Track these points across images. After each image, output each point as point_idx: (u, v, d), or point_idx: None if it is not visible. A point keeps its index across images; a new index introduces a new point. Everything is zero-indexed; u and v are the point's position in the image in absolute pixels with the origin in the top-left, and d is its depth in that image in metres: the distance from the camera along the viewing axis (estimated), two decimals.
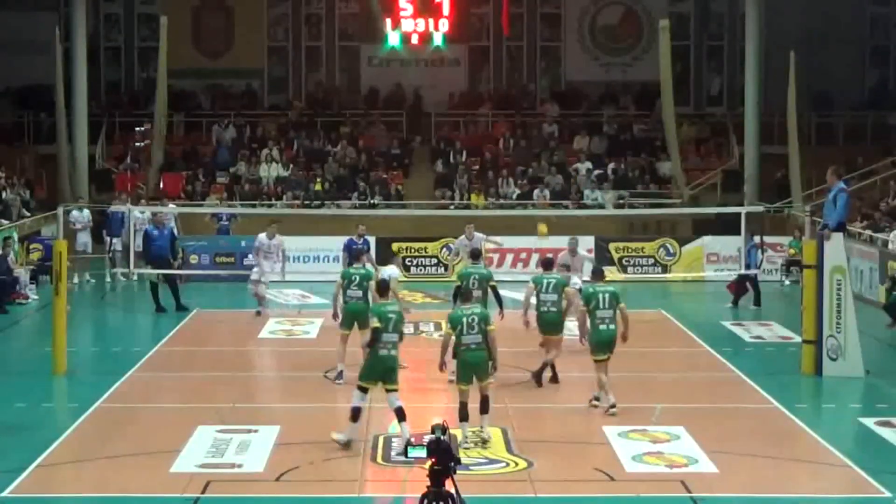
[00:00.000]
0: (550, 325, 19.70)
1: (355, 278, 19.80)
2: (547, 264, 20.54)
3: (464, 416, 16.10)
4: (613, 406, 17.61)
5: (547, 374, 19.88)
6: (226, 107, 42.46)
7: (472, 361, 16.15)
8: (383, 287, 16.60)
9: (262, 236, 26.94)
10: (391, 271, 21.33)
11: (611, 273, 32.01)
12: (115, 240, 31.85)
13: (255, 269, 27.07)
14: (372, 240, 32.44)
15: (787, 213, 34.89)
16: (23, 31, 40.63)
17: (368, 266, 21.23)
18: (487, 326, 16.19)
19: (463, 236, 25.66)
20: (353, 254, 22.89)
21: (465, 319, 16.15)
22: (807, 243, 21.28)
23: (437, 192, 38.53)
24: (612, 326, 17.73)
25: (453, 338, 16.15)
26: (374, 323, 15.90)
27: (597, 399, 17.97)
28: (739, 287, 28.54)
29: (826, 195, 21.93)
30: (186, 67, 41.69)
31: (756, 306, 28.23)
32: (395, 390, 15.96)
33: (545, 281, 19.92)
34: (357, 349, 19.23)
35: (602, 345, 17.77)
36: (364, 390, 16.00)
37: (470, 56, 43.71)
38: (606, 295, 17.77)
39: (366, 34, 42.80)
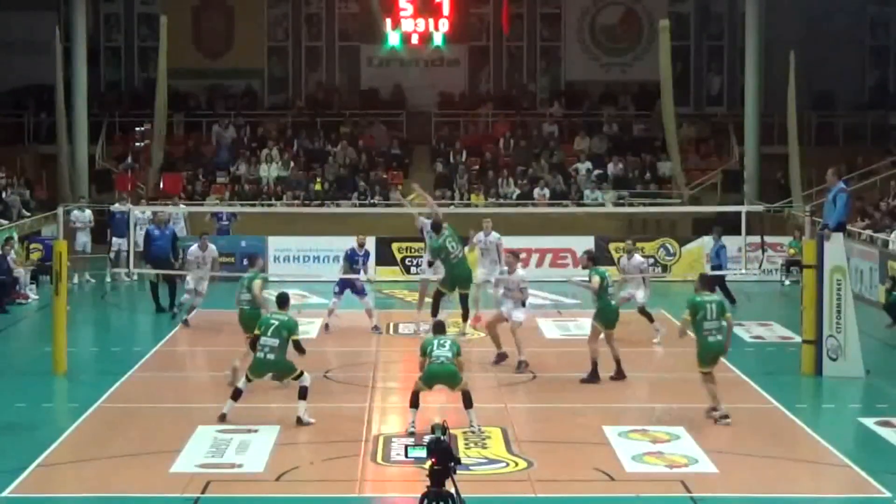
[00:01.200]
0: (617, 315, 20.12)
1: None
2: (595, 259, 20.88)
3: (414, 404, 16.66)
4: (726, 416, 17.26)
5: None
6: (226, 107, 42.47)
7: (439, 372, 16.70)
8: (281, 300, 17.79)
9: (195, 248, 26.07)
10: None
11: (610, 272, 32.13)
12: (118, 240, 31.74)
13: (188, 279, 25.97)
14: (372, 240, 32.47)
15: (786, 213, 34.89)
16: (23, 31, 40.67)
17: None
18: (457, 357, 16.78)
19: (481, 232, 25.56)
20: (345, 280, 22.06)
21: (435, 341, 16.87)
22: (807, 243, 21.25)
23: (437, 192, 38.51)
24: (719, 337, 17.44)
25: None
26: (257, 330, 17.42)
27: (714, 410, 17.50)
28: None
29: (826, 195, 21.93)
30: (186, 67, 41.69)
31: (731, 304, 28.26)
32: (296, 378, 17.39)
33: (608, 275, 20.29)
34: (347, 349, 19.24)
35: (710, 356, 17.50)
36: (248, 380, 17.51)
37: (470, 56, 43.71)
38: (713, 305, 17.43)
39: (366, 34, 42.82)
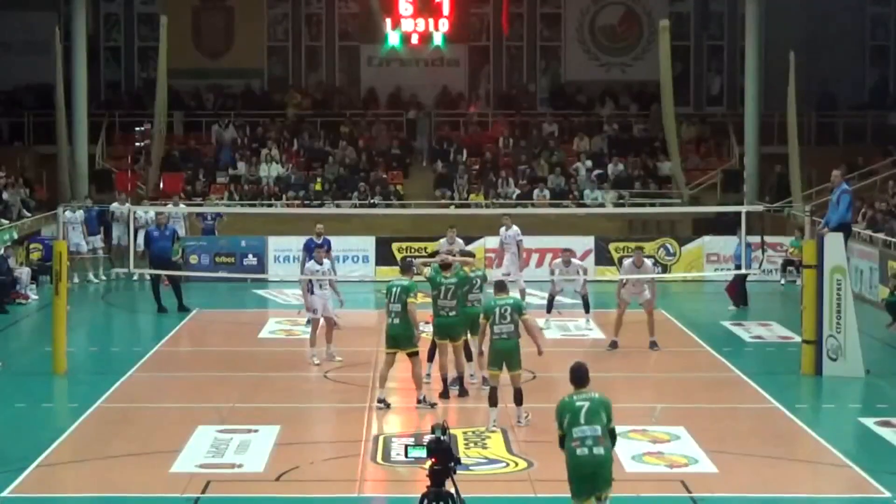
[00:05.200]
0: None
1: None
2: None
3: (493, 402, 16.91)
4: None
5: None
6: (226, 107, 42.46)
7: (503, 349, 16.93)
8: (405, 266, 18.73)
9: (312, 264, 22.31)
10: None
11: (610, 273, 32.20)
12: (90, 238, 32.12)
13: (314, 304, 21.85)
14: (372, 239, 32.50)
15: (786, 213, 34.89)
16: (23, 31, 40.65)
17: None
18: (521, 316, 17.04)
19: (443, 240, 25.11)
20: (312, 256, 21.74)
21: (497, 310, 16.92)
22: (807, 243, 21.27)
23: (437, 192, 38.53)
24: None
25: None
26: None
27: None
28: (738, 287, 28.51)
29: (830, 195, 21.96)
30: (186, 67, 41.66)
31: (744, 306, 28.29)
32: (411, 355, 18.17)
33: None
34: (347, 349, 19.19)
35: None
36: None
37: (470, 56, 43.69)
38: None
39: (366, 34, 42.76)
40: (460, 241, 24.98)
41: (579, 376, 11.95)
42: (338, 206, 36.55)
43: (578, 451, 11.55)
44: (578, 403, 11.70)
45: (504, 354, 16.83)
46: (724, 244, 32.42)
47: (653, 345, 22.81)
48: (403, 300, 18.05)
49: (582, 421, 11.60)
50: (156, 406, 18.85)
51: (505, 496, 14.38)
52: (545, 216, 34.57)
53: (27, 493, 14.28)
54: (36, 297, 29.25)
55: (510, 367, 16.88)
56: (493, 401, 16.79)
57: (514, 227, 26.05)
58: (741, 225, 24.66)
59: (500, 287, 17.39)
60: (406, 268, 18.97)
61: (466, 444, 16.03)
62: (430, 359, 19.56)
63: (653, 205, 37.06)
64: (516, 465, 15.34)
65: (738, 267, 28.22)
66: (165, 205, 33.39)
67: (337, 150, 40.30)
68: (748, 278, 28.41)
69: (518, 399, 16.86)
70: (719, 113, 42.91)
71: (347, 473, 15.02)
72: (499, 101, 43.26)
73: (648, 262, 24.04)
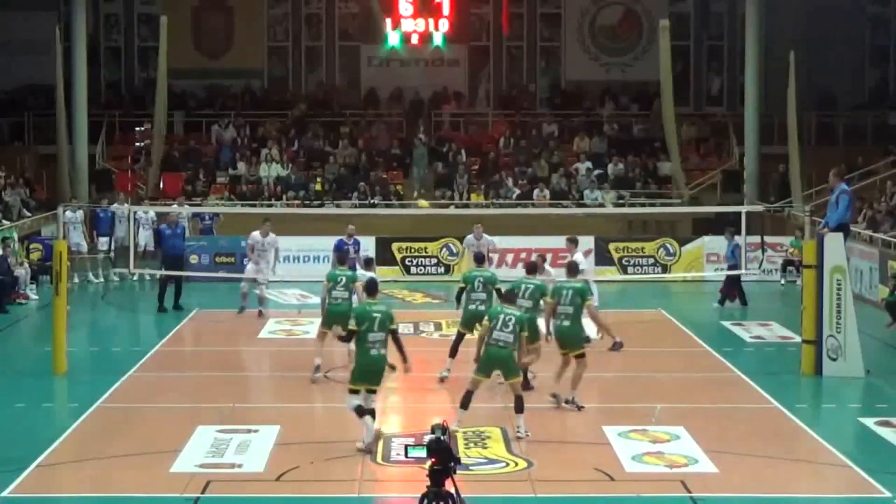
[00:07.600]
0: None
1: (341, 279, 20.03)
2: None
3: (465, 404, 16.62)
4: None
5: None
6: (226, 107, 42.46)
7: (496, 357, 16.53)
8: (371, 287, 16.44)
9: (256, 234, 26.73)
10: None
11: (610, 273, 32.25)
12: (102, 239, 32.15)
13: (248, 268, 26.94)
14: (372, 239, 32.48)
15: (787, 213, 34.90)
16: (23, 31, 40.66)
17: (359, 269, 21.84)
18: (521, 333, 16.62)
19: (471, 235, 26.87)
20: (340, 256, 22.45)
21: (501, 316, 16.56)
22: (807, 243, 21.26)
23: (437, 193, 38.53)
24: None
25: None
26: (352, 325, 15.84)
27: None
28: (731, 287, 28.55)
29: (829, 195, 21.96)
30: (186, 67, 41.67)
31: (743, 305, 28.31)
32: (374, 391, 16.10)
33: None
34: (347, 349, 19.19)
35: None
36: (355, 392, 15.98)
37: (470, 56, 43.71)
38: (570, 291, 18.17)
39: (366, 34, 42.79)
40: (488, 238, 26.92)
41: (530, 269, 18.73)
42: (338, 206, 36.55)
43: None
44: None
45: (497, 363, 16.56)
46: (724, 244, 32.38)
47: (616, 345, 22.21)
48: (577, 302, 18.10)
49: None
50: (156, 406, 18.85)
51: (505, 496, 14.38)
52: (545, 216, 34.59)
53: (27, 493, 14.27)
54: (36, 297, 29.26)
55: (507, 375, 16.61)
56: (465, 404, 16.56)
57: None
58: (737, 226, 24.69)
59: (509, 297, 17.33)
60: (531, 269, 19.34)
61: (466, 444, 16.03)
62: (453, 354, 19.55)
63: (653, 205, 37.08)
64: (516, 465, 15.34)
65: (730, 267, 28.32)
66: (170, 205, 33.37)
67: (337, 150, 40.32)
68: (744, 279, 28.50)
69: (519, 407, 16.47)
70: (719, 113, 42.93)
71: (347, 473, 15.02)
72: (499, 101, 43.28)
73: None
